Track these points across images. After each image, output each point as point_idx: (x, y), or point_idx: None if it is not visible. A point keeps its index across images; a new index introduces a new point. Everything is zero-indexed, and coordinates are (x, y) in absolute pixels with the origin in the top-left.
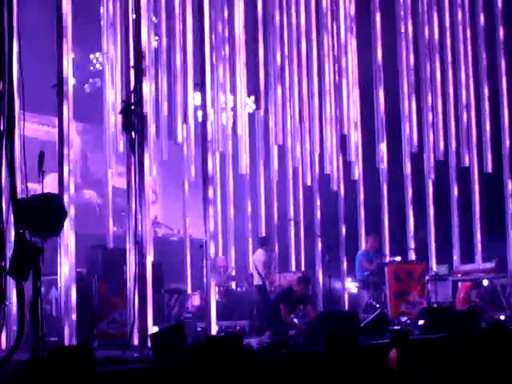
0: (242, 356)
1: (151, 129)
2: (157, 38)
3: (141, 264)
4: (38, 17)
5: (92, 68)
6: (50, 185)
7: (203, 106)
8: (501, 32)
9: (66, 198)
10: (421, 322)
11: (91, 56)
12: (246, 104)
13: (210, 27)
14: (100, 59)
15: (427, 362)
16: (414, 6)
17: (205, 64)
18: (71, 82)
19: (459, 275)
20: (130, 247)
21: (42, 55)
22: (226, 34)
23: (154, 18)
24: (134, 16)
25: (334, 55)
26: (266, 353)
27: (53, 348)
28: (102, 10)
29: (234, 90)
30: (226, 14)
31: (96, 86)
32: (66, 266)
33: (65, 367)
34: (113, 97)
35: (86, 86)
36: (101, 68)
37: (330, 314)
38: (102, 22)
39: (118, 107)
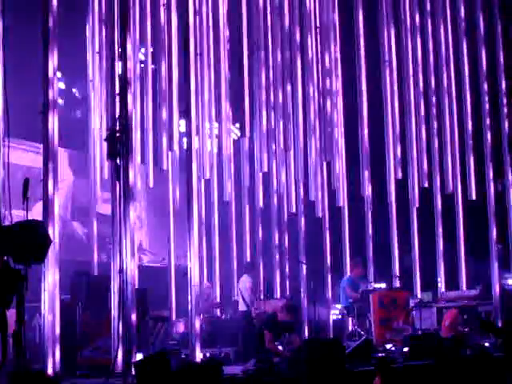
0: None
1: (136, 155)
2: (142, 65)
3: (125, 291)
4: (23, 42)
5: (78, 95)
6: (38, 212)
7: (188, 133)
8: (483, 61)
9: (50, 225)
10: (405, 349)
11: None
12: (231, 131)
13: (195, 54)
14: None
15: None
16: (398, 34)
17: (190, 91)
18: (57, 108)
19: (444, 302)
20: (114, 274)
21: (27, 81)
22: (211, 60)
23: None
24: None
25: (318, 82)
26: (250, 380)
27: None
28: (87, 36)
29: (219, 118)
30: (211, 40)
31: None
32: (49, 293)
33: None
34: (98, 123)
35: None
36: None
37: (314, 342)
38: (87, 49)
39: (104, 134)
